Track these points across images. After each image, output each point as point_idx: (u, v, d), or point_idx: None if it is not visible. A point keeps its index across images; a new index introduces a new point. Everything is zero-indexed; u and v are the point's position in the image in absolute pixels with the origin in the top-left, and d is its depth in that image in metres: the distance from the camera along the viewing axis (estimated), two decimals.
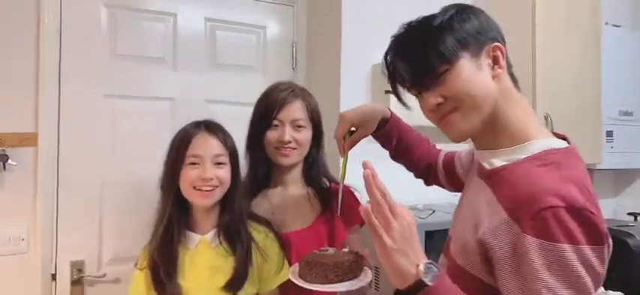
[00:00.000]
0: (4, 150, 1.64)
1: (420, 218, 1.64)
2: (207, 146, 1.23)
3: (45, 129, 1.72)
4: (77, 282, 1.78)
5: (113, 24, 1.87)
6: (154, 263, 1.21)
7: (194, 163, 1.21)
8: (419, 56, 0.89)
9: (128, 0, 1.90)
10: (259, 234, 1.30)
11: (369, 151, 1.97)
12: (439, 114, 0.91)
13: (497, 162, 0.89)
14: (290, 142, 1.36)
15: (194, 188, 1.21)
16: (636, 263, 1.82)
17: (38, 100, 1.71)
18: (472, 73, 0.87)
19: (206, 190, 1.21)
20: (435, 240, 1.58)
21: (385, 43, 2.12)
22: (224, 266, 1.23)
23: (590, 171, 2.51)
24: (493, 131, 0.90)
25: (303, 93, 1.43)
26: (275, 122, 1.37)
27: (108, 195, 1.83)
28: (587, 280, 0.74)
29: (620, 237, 1.89)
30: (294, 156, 1.39)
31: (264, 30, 2.16)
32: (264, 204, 1.39)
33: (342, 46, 1.96)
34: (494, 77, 0.89)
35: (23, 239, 1.69)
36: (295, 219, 1.39)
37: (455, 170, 1.24)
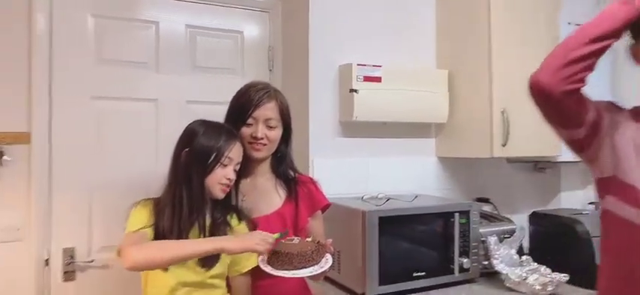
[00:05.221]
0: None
1: (376, 205, 1.80)
2: (239, 152, 1.46)
3: (37, 128, 1.88)
4: (69, 268, 1.95)
5: (100, 31, 2.03)
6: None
7: (225, 165, 1.41)
8: None
9: (113, 10, 2.06)
10: (232, 219, 1.47)
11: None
12: None
13: None
14: (262, 139, 1.51)
15: (219, 184, 1.41)
16: (582, 248, 1.96)
17: (31, 101, 1.87)
18: None
19: (227, 187, 1.44)
20: (387, 225, 1.74)
21: (349, 47, 2.35)
22: None
23: (554, 163, 2.64)
24: None
25: (276, 95, 1.57)
26: (250, 120, 1.51)
27: (96, 188, 2.00)
28: None
29: (569, 224, 2.04)
30: (265, 151, 1.54)
31: (241, 34, 2.32)
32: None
33: (310, 49, 2.11)
34: None
35: (18, 229, 1.85)
36: (263, 205, 1.55)
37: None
